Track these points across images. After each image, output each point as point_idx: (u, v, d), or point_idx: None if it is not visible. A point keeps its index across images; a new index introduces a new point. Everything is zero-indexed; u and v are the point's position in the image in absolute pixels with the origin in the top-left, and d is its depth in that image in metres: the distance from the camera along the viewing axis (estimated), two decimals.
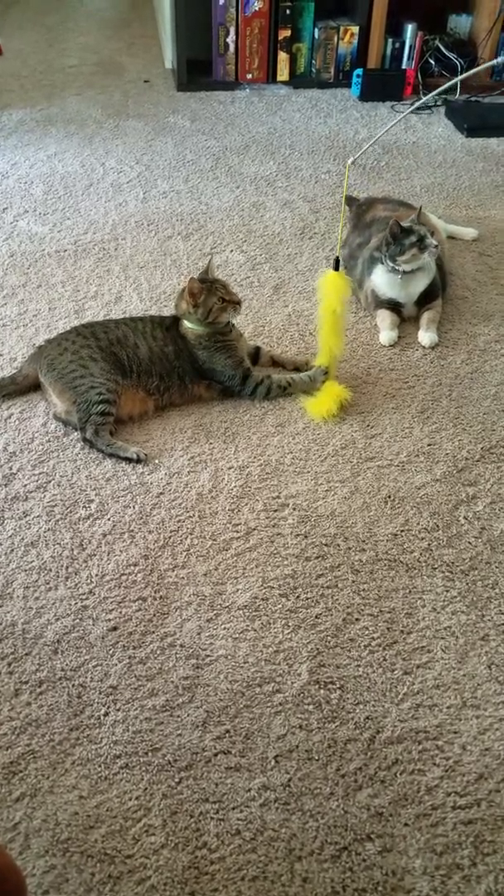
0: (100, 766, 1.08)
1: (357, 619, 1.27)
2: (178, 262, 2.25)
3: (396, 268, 1.90)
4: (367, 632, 1.25)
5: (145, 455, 1.60)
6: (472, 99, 3.39)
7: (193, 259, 2.26)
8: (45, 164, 2.75)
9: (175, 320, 1.75)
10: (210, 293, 1.67)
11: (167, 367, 1.70)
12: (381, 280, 1.96)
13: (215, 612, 1.30)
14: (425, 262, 1.89)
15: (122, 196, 2.57)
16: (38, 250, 2.27)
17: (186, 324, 1.72)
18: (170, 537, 1.44)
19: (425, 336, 1.93)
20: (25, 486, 1.53)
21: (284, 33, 3.42)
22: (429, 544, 1.41)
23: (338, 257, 1.68)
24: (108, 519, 1.47)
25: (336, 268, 1.65)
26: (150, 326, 1.73)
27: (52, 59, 3.78)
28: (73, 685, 1.18)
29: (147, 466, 1.58)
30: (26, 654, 1.22)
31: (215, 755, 1.09)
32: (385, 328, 1.95)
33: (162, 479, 1.56)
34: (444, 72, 3.43)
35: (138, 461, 1.59)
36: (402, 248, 1.87)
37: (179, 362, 1.70)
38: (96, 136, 2.98)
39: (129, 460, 1.59)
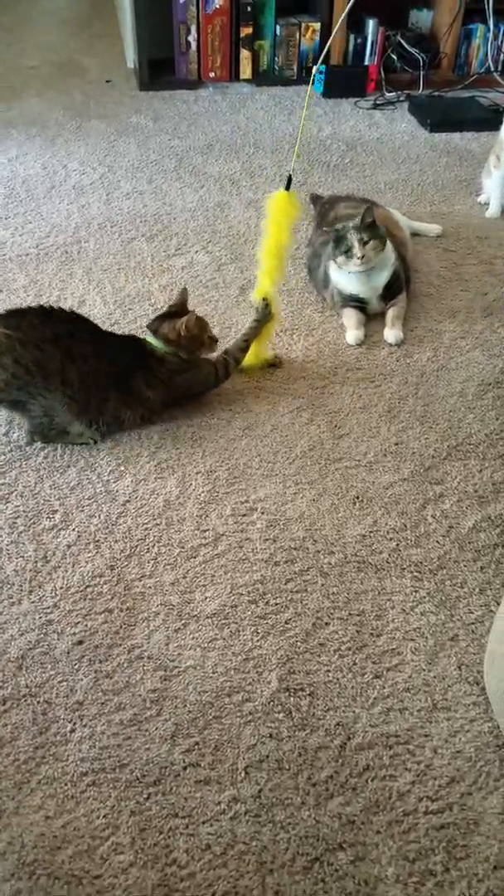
0: (66, 784, 1.05)
1: (327, 624, 1.26)
2: (143, 263, 2.22)
3: (341, 268, 1.91)
4: (336, 636, 1.24)
5: (100, 435, 1.62)
6: (436, 94, 3.39)
7: (158, 261, 2.23)
8: (5, 168, 2.69)
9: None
10: (202, 330, 1.65)
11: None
12: (339, 277, 1.96)
13: (183, 621, 1.28)
14: (363, 266, 1.90)
15: (84, 198, 2.53)
16: (0, 255, 2.22)
17: (158, 344, 1.65)
18: (136, 546, 1.42)
19: (391, 333, 1.92)
20: None
21: (246, 31, 3.39)
22: (397, 544, 1.40)
23: (290, 176, 1.66)
24: (73, 529, 1.44)
25: (287, 187, 1.61)
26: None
27: (10, 60, 3.71)
28: (39, 702, 1.15)
29: (113, 474, 1.55)
30: None
31: (184, 769, 1.07)
32: (351, 327, 1.94)
33: (128, 486, 1.53)
34: (406, 67, 3.43)
35: (95, 443, 1.62)
36: (336, 252, 1.89)
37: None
38: (58, 137, 2.93)
39: (84, 444, 1.61)
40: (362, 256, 1.86)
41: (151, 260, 2.23)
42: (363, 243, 1.85)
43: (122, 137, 2.96)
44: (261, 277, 1.75)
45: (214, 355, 1.71)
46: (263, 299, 1.74)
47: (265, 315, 1.74)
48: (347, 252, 1.87)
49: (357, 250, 1.85)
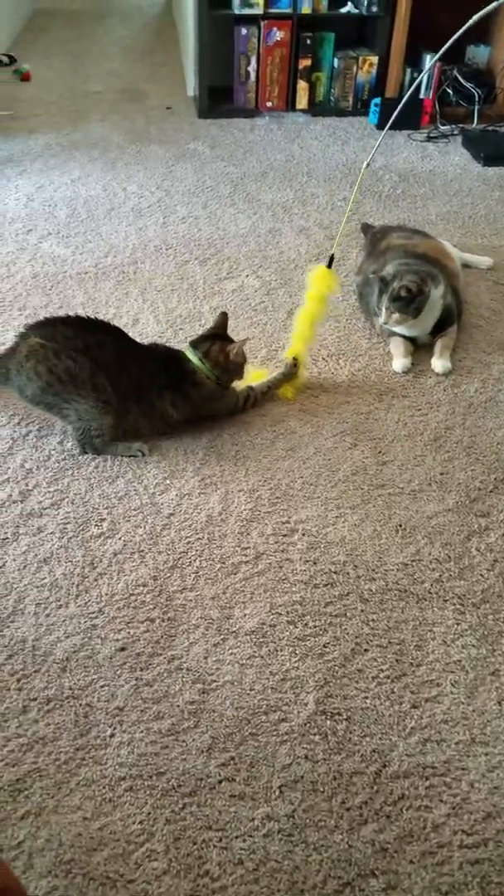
0: (104, 787, 1.07)
1: (366, 650, 1.26)
2: (195, 285, 2.28)
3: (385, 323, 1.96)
4: (375, 663, 1.24)
5: (148, 449, 1.68)
6: (490, 128, 3.42)
7: (209, 283, 2.29)
8: (68, 188, 2.81)
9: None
10: (244, 360, 1.73)
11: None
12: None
13: (222, 636, 1.30)
14: (391, 327, 1.95)
15: (142, 221, 2.62)
16: (61, 272, 2.31)
17: (199, 364, 1.70)
18: (179, 559, 1.45)
19: (439, 363, 1.94)
20: (40, 502, 1.55)
21: (305, 62, 3.48)
22: (440, 575, 1.40)
23: (332, 256, 1.77)
24: (119, 538, 1.48)
25: (329, 265, 1.74)
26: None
27: (77, 86, 3.88)
28: (81, 704, 1.18)
29: (158, 486, 1.59)
30: (35, 671, 1.22)
31: (220, 782, 1.08)
32: (398, 355, 1.96)
33: (173, 499, 1.57)
34: (461, 101, 3.47)
35: (143, 456, 1.67)
36: (376, 298, 1.94)
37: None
38: (119, 161, 3.04)
39: (133, 457, 1.67)
40: (386, 322, 1.91)
41: (203, 282, 2.29)
42: (390, 312, 1.89)
43: (180, 163, 3.06)
44: (294, 340, 1.86)
45: (241, 386, 1.78)
46: (294, 358, 1.83)
47: (290, 372, 1.83)
48: (378, 309, 1.93)
49: (383, 317, 1.91)
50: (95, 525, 1.51)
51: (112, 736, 1.14)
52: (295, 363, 1.82)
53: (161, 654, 1.27)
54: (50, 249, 2.42)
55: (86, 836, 1.02)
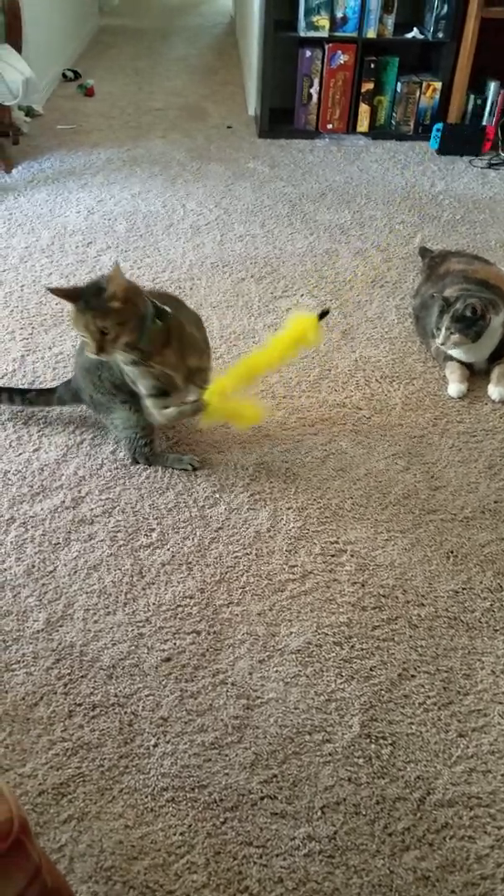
0: (146, 797, 1.10)
1: (413, 676, 1.27)
2: (250, 303, 2.33)
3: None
4: (422, 689, 1.25)
5: (199, 462, 1.72)
6: None
7: (264, 301, 2.34)
8: (129, 203, 2.91)
9: None
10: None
11: None
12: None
13: (268, 653, 1.32)
14: (447, 349, 1.96)
15: (199, 237, 2.70)
16: None
17: None
18: (226, 573, 1.48)
19: (495, 390, 1.94)
20: (92, 510, 1.60)
21: (367, 86, 3.55)
22: (491, 605, 1.40)
23: (327, 310, 1.73)
24: (168, 549, 1.52)
25: (321, 318, 1.51)
26: None
27: (140, 102, 4.02)
28: (126, 712, 1.21)
29: (208, 500, 1.63)
30: (82, 677, 1.26)
31: (261, 799, 1.10)
32: (454, 381, 1.97)
33: (222, 513, 1.61)
34: None
35: (194, 469, 1.70)
36: (436, 319, 1.95)
37: None
38: (179, 177, 3.14)
39: (184, 470, 1.71)
40: (443, 344, 1.92)
41: (258, 300, 2.34)
42: (450, 333, 1.90)
43: (239, 181, 3.14)
44: (226, 375, 1.59)
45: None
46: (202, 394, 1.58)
47: (197, 407, 1.58)
48: (437, 329, 1.94)
49: (441, 338, 1.92)
50: (145, 535, 1.55)
51: (156, 746, 1.17)
52: (202, 402, 1.56)
53: (206, 667, 1.29)
54: (109, 262, 2.50)
55: (127, 844, 1.05)
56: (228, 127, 3.73)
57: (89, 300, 1.40)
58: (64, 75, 4.31)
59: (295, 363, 2.05)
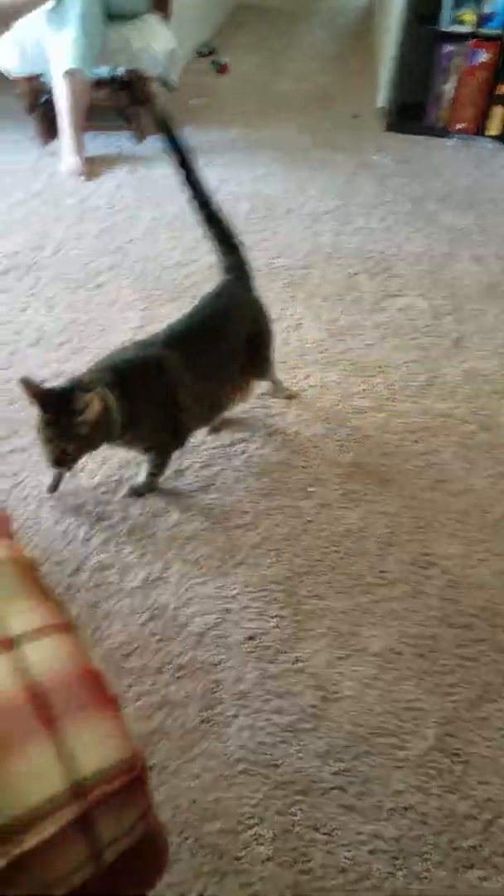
0: (222, 764, 1.16)
1: (494, 700, 1.28)
2: (361, 299, 2.34)
3: None
4: (502, 714, 1.26)
5: None
6: None
7: (376, 299, 2.34)
8: (251, 185, 2.94)
9: None
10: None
11: None
12: None
13: (347, 652, 1.35)
14: None
15: (318, 226, 2.71)
16: None
17: None
18: (313, 566, 1.51)
19: None
20: (190, 484, 1.66)
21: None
22: None
23: None
24: (259, 533, 1.57)
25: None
26: None
27: (270, 84, 4.03)
28: (210, 680, 1.27)
29: (302, 492, 1.67)
30: (173, 637, 1.33)
31: (332, 789, 1.14)
32: None
33: (313, 507, 1.64)
34: None
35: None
36: None
37: None
38: (302, 163, 3.15)
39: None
40: None
41: (371, 297, 2.35)
42: None
43: (362, 173, 3.12)
44: None
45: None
46: None
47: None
48: None
49: None
50: (238, 516, 1.61)
51: (235, 717, 1.22)
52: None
53: (287, 653, 1.34)
54: None
55: (200, 805, 1.11)
56: (356, 116, 3.70)
57: (59, 415, 1.28)
58: (199, 51, 4.37)
59: (401, 367, 2.05)
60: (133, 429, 1.42)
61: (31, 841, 0.60)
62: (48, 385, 1.32)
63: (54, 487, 1.58)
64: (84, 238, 2.52)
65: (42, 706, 0.67)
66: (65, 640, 0.75)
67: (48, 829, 0.61)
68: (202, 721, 1.21)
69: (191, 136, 3.30)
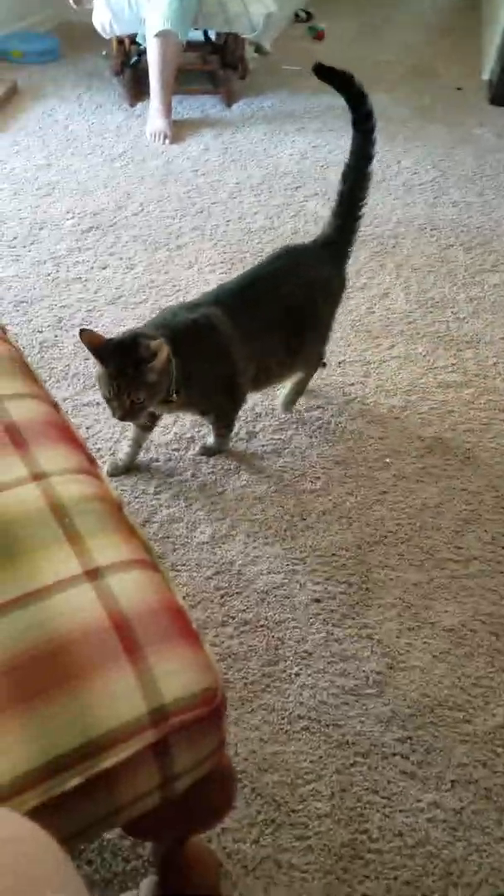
0: (283, 719, 1.18)
1: None
2: (454, 272, 2.30)
3: None
4: None
5: None
6: None
7: (471, 272, 2.30)
8: (342, 152, 2.91)
9: None
10: None
11: None
12: None
13: (418, 623, 1.35)
14: None
15: (411, 197, 2.68)
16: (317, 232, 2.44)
17: None
18: (385, 537, 1.51)
19: None
20: (263, 446, 1.69)
21: None
22: None
23: None
24: (331, 499, 1.58)
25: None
26: None
27: (369, 53, 4.00)
28: (273, 637, 1.30)
29: (377, 462, 1.67)
30: (237, 593, 1.36)
31: (393, 755, 1.15)
32: None
33: (389, 478, 1.64)
34: None
35: None
36: None
37: None
38: (398, 134, 3.12)
39: None
40: None
41: (465, 270, 2.31)
42: None
43: (461, 146, 3.07)
44: None
45: None
46: None
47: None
48: None
49: None
50: (310, 481, 1.62)
51: (297, 675, 1.24)
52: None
53: (354, 619, 1.35)
54: (314, 209, 2.56)
55: (259, 756, 1.14)
56: (458, 89, 3.63)
57: (126, 365, 1.26)
58: (296, 15, 4.38)
59: (496, 343, 2.02)
60: (187, 389, 1.41)
61: (108, 762, 0.63)
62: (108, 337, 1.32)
63: (126, 468, 1.61)
64: (167, 200, 2.58)
65: (126, 634, 0.69)
66: (150, 575, 0.78)
67: (125, 752, 0.64)
68: (264, 675, 1.24)
69: (284, 101, 3.33)
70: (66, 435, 0.90)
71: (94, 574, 0.74)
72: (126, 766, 0.64)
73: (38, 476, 0.81)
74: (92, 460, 0.90)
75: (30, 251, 2.26)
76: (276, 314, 1.52)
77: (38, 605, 0.70)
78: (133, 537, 0.83)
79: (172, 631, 0.72)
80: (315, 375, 1.78)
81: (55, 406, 0.95)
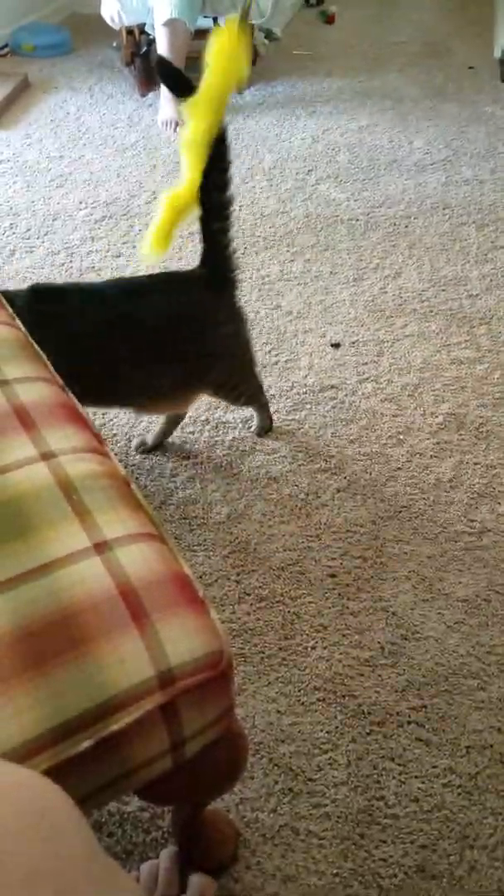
0: (299, 690, 1.19)
1: None
2: (467, 249, 2.27)
3: None
4: None
5: None
6: None
7: (484, 249, 2.27)
8: (354, 135, 2.91)
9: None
10: None
11: None
12: None
13: (432, 595, 1.35)
14: None
15: (423, 177, 2.65)
16: (332, 215, 2.42)
17: None
18: (399, 512, 1.51)
19: None
20: (278, 427, 1.69)
21: None
22: None
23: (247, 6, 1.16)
24: (345, 478, 1.58)
25: (244, 17, 1.10)
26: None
27: (380, 33, 3.95)
28: (289, 611, 1.30)
29: (391, 440, 1.66)
30: (253, 570, 1.37)
31: (408, 723, 1.15)
32: None
33: (403, 455, 1.63)
34: None
35: None
36: None
37: None
38: (410, 114, 3.08)
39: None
40: None
41: (477, 248, 2.28)
42: None
43: (474, 125, 3.01)
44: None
45: None
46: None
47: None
48: None
49: None
50: (324, 460, 1.62)
51: (313, 648, 1.25)
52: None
53: (368, 592, 1.35)
54: (326, 192, 2.54)
55: (276, 727, 1.15)
56: (470, 68, 3.56)
57: None
58: (308, 2, 4.33)
59: None
60: None
61: (117, 724, 0.64)
62: None
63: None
64: None
65: (133, 602, 0.71)
66: (156, 547, 0.79)
67: (134, 714, 0.65)
68: (280, 649, 1.25)
69: (295, 85, 3.30)
70: (74, 415, 0.91)
71: (102, 547, 0.75)
72: (135, 728, 0.65)
73: (46, 455, 0.82)
74: (100, 439, 0.91)
75: (44, 242, 2.28)
76: (113, 332, 1.29)
77: (50, 577, 0.71)
78: (140, 512, 0.84)
79: (179, 598, 0.73)
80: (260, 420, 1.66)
81: (62, 388, 0.96)
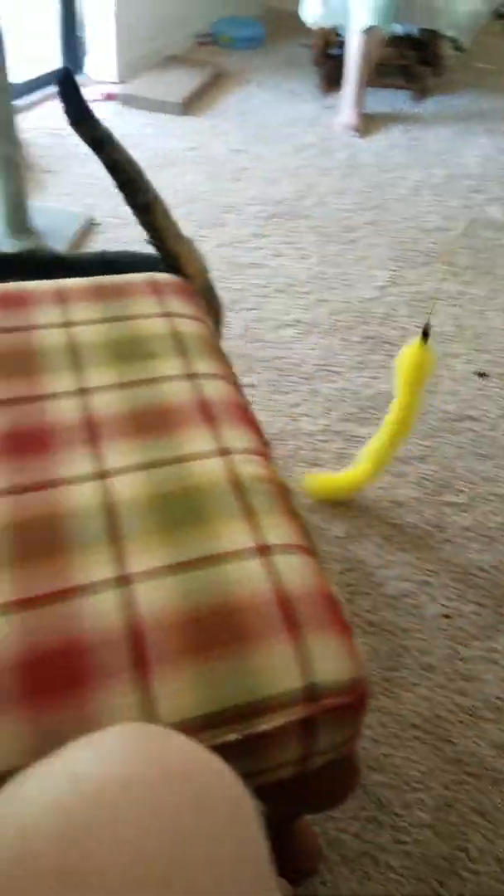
0: (396, 725, 1.19)
1: None
2: None
3: None
4: None
5: None
6: None
7: None
8: None
9: None
10: None
11: None
12: None
13: None
14: None
15: None
16: (495, 238, 2.36)
17: None
18: None
19: None
20: (408, 450, 1.68)
21: None
22: None
23: (427, 325, 1.29)
24: (473, 516, 1.55)
25: (425, 336, 1.29)
26: None
27: None
28: (396, 644, 1.30)
29: None
30: (366, 594, 1.38)
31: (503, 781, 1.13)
32: None
33: None
34: None
35: None
36: None
37: None
38: None
39: None
40: None
41: None
42: None
43: None
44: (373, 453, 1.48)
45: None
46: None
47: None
48: None
49: None
50: (453, 494, 1.60)
51: (416, 685, 1.25)
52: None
53: (482, 641, 1.32)
54: (494, 214, 2.47)
55: (370, 755, 1.16)
56: None
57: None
58: (499, 15, 4.18)
59: None
60: None
61: (262, 726, 0.67)
62: None
63: None
64: (347, 193, 2.59)
65: (288, 611, 0.73)
66: (309, 561, 0.81)
67: (279, 720, 0.67)
68: (383, 679, 1.25)
69: (475, 99, 3.22)
70: (247, 417, 0.95)
71: (264, 550, 0.78)
72: (278, 733, 0.68)
73: (223, 452, 0.86)
74: (266, 443, 0.95)
75: (214, 233, 2.35)
76: None
77: (217, 569, 0.75)
78: (297, 521, 0.87)
79: (328, 618, 0.76)
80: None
81: (238, 387, 1.01)
